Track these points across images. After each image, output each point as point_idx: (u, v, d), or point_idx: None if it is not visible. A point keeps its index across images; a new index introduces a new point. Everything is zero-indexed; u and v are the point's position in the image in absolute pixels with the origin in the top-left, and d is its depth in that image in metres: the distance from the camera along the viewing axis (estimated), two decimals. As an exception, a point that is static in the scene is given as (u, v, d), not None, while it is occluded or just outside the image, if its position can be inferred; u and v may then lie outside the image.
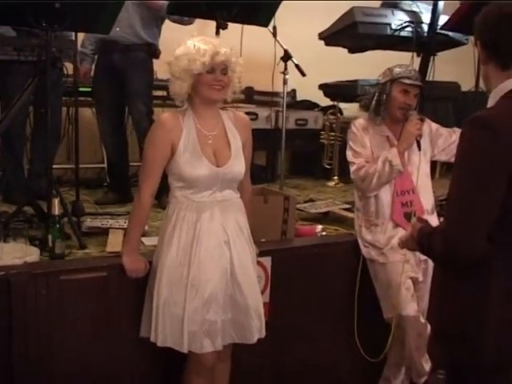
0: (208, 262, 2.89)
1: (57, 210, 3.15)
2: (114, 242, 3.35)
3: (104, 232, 3.59)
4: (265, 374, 3.59)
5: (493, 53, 2.14)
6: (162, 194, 4.18)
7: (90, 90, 4.85)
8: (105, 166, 5.28)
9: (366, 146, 3.58)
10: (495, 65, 2.15)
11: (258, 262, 3.34)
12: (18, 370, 2.89)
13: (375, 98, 3.58)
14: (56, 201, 3.16)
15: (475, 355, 2.13)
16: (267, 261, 3.43)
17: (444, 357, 2.25)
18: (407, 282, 3.55)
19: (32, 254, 3.06)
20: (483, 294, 2.11)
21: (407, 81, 3.51)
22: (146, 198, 2.93)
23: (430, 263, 3.53)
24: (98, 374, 3.10)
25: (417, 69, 4.54)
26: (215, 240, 2.91)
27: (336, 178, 5.80)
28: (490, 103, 2.16)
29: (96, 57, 4.71)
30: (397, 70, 3.56)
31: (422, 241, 2.23)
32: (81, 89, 4.71)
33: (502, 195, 2.01)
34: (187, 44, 2.87)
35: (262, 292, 3.39)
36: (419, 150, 3.51)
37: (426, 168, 3.64)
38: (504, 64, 2.13)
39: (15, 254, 3.02)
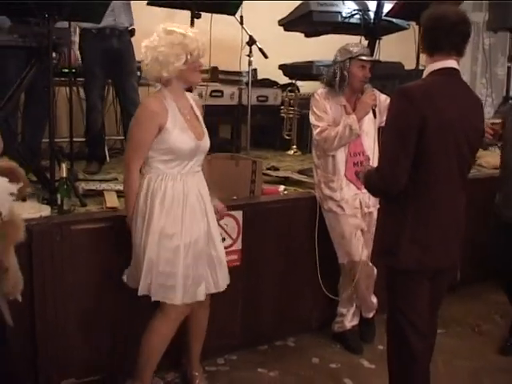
0: (195, 226, 3.28)
1: (64, 172, 3.61)
2: (111, 200, 3.86)
3: (98, 194, 4.05)
4: (238, 311, 4.11)
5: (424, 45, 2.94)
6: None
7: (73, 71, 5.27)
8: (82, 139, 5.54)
9: (327, 111, 4.05)
10: (429, 52, 2.91)
11: (231, 215, 3.92)
12: (38, 307, 3.37)
13: (338, 74, 4.04)
14: (64, 165, 3.63)
15: (395, 262, 2.93)
16: (239, 214, 3.96)
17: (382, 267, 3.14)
18: (358, 233, 4.11)
19: (45, 210, 3.56)
20: (402, 217, 2.89)
21: (364, 57, 4.01)
22: (136, 173, 3.22)
23: (374, 215, 4.17)
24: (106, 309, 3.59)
25: None
26: (198, 207, 3.30)
27: (295, 147, 6.23)
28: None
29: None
30: (354, 49, 4.04)
31: (366, 178, 3.01)
32: (64, 70, 5.16)
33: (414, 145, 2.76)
34: (174, 32, 3.12)
35: (235, 241, 3.97)
36: (374, 117, 4.03)
37: (373, 133, 4.14)
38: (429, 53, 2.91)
39: (31, 210, 3.49)
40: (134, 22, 5.18)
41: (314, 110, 4.10)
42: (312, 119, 4.10)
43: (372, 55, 5.27)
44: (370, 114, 4.11)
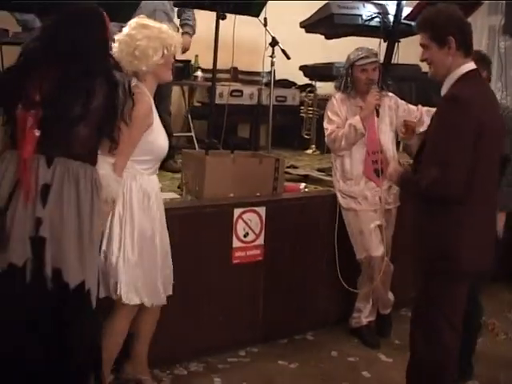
0: (165, 230, 3.31)
1: None
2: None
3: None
4: (259, 305, 4.21)
5: (461, 44, 2.92)
6: (168, 158, 4.88)
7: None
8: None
9: (340, 115, 4.20)
10: (461, 53, 2.92)
11: (254, 211, 4.06)
12: None
13: (344, 80, 4.25)
14: None
15: (456, 266, 2.93)
16: (262, 210, 4.09)
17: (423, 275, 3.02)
18: (376, 229, 4.22)
19: None
20: (457, 221, 2.90)
21: (361, 61, 4.17)
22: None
23: (393, 212, 4.30)
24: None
25: (383, 53, 5.22)
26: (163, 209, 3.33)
27: (314, 146, 6.38)
28: (449, 83, 2.93)
29: None
30: (351, 56, 4.22)
31: (406, 180, 3.04)
32: None
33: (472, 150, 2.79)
34: (150, 26, 3.10)
35: (258, 236, 4.10)
36: (377, 116, 4.14)
37: (390, 134, 4.29)
38: (467, 52, 2.94)
39: None
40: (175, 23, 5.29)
41: (328, 112, 4.27)
42: (324, 122, 4.27)
43: (390, 59, 5.38)
44: (387, 113, 4.27)
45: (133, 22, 3.15)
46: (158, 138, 3.17)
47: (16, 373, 2.67)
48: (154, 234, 3.18)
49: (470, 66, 2.95)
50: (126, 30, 3.13)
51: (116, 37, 3.10)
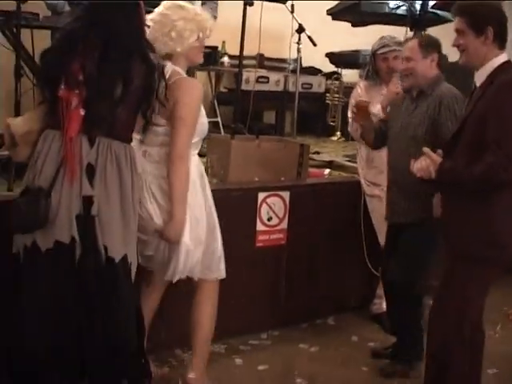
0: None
1: None
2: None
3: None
4: (281, 289, 4.28)
5: (498, 35, 2.90)
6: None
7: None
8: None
9: None
10: (496, 45, 2.90)
11: (278, 195, 4.10)
12: None
13: (369, 69, 4.28)
14: None
15: (505, 255, 2.96)
16: (286, 195, 4.13)
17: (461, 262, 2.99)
18: None
19: None
20: (507, 207, 2.90)
21: (382, 50, 4.18)
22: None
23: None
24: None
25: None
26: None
27: (339, 133, 6.41)
28: (485, 73, 2.91)
29: None
30: (374, 45, 4.24)
31: (449, 170, 2.91)
32: None
33: None
34: (186, 8, 3.08)
35: (281, 220, 4.15)
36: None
37: None
38: (502, 45, 2.93)
39: None
40: None
41: (352, 101, 4.28)
42: (349, 112, 4.27)
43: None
44: None
45: (167, 3, 3.11)
46: (204, 118, 3.19)
47: (67, 346, 2.77)
48: (211, 211, 3.26)
49: (505, 57, 2.95)
50: (160, 9, 3.09)
51: (150, 16, 3.06)
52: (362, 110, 3.90)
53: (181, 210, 2.99)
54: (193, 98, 3.00)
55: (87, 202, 2.71)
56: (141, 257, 3.09)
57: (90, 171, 2.72)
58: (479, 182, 2.84)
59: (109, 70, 2.71)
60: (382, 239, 4.26)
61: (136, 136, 2.99)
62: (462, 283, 3.00)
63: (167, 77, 2.96)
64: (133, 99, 2.77)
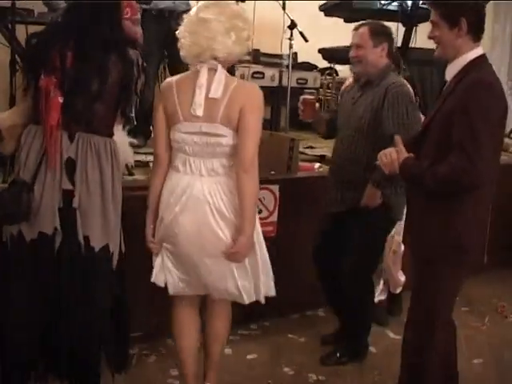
0: None
1: None
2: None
3: (144, 165, 4.34)
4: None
5: (473, 27, 2.81)
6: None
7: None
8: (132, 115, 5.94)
9: None
10: (470, 37, 2.81)
11: (268, 189, 4.16)
12: None
13: None
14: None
15: (468, 258, 2.92)
16: (275, 188, 4.20)
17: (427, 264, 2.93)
18: None
19: None
20: (471, 213, 2.85)
21: None
22: None
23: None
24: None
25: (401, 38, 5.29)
26: None
27: None
28: (457, 67, 2.83)
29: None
30: None
31: (415, 168, 2.85)
32: None
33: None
34: (243, 12, 2.93)
35: (271, 213, 4.21)
36: None
37: None
38: (477, 37, 2.85)
39: None
40: (190, 5, 5.39)
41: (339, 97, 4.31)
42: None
43: (408, 42, 5.47)
44: None
45: (231, 5, 2.92)
46: None
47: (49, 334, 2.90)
48: None
49: (480, 51, 2.86)
50: (212, 10, 2.86)
51: (201, 14, 2.84)
52: (309, 106, 3.95)
53: (252, 223, 2.90)
54: (259, 104, 2.88)
55: (67, 195, 2.81)
56: (202, 285, 3.06)
57: (71, 166, 2.81)
58: (441, 184, 2.79)
59: (85, 66, 2.78)
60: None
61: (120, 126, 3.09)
62: (431, 287, 2.94)
63: (222, 82, 2.81)
64: (110, 95, 2.83)
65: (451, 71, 2.89)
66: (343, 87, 4.22)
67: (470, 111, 2.69)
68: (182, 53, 2.90)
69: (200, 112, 2.81)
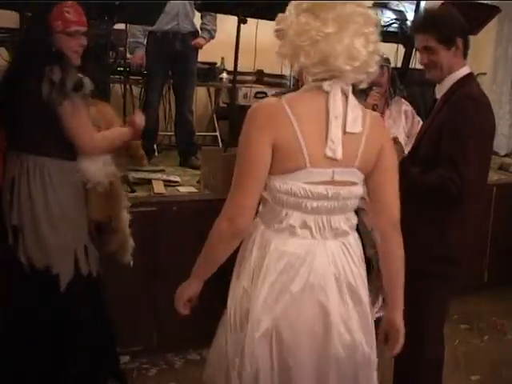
0: None
1: None
2: (159, 187, 4.20)
3: (146, 182, 4.36)
4: None
5: (465, 45, 2.89)
6: (191, 155, 5.10)
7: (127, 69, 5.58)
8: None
9: None
10: (461, 55, 2.90)
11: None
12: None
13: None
14: None
15: (457, 270, 2.95)
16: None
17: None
18: None
19: None
20: (460, 224, 2.90)
21: None
22: None
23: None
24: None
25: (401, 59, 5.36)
26: None
27: None
28: (447, 85, 2.89)
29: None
30: None
31: (410, 169, 2.87)
32: (119, 68, 5.41)
33: None
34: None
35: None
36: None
37: (400, 138, 4.16)
38: (466, 54, 2.93)
39: None
40: (195, 26, 5.55)
41: None
42: None
43: (408, 63, 5.53)
44: (403, 120, 4.38)
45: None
46: None
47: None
48: None
49: (468, 69, 2.94)
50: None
51: (329, 30, 2.00)
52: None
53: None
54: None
55: (10, 212, 2.92)
56: None
57: (12, 184, 2.92)
58: (429, 190, 2.84)
59: (16, 90, 2.85)
60: (367, 248, 4.37)
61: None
62: (420, 299, 2.92)
63: (359, 109, 2.12)
64: (36, 115, 2.86)
65: (441, 89, 2.96)
66: None
67: (459, 125, 2.77)
68: (307, 59, 2.05)
69: (339, 153, 2.05)
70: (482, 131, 2.82)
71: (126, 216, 3.22)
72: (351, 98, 2.10)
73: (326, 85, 2.05)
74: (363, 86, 2.16)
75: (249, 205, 2.07)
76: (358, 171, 2.14)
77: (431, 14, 2.96)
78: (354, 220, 2.24)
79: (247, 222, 2.10)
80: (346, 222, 2.19)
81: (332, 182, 2.10)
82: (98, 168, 2.97)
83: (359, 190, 2.18)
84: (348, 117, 2.07)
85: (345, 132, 2.06)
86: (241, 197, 2.06)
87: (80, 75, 2.84)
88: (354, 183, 2.16)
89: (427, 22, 2.92)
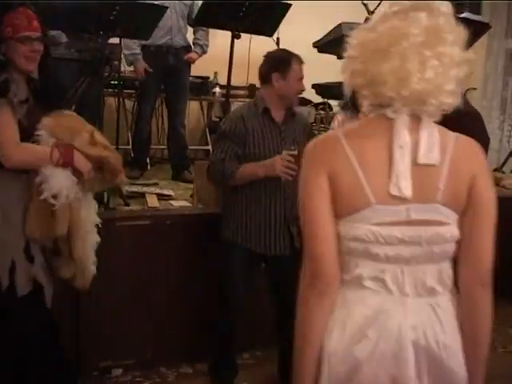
0: None
1: None
2: (152, 201, 4.24)
3: (140, 196, 4.42)
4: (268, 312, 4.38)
5: None
6: (184, 169, 5.13)
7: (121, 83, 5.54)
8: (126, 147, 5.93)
9: None
10: None
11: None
12: (83, 295, 3.53)
13: (348, 101, 4.19)
14: None
15: None
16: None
17: None
18: None
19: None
20: None
21: None
22: None
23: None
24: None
25: None
26: None
27: None
28: None
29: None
30: None
31: None
32: (113, 82, 5.43)
33: None
34: None
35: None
36: None
37: None
38: None
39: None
40: (188, 41, 5.60)
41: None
42: None
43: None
44: None
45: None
46: None
47: None
48: None
49: None
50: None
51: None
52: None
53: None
54: (488, 170, 1.88)
55: None
56: None
57: None
58: None
59: None
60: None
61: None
62: None
63: (437, 137, 1.75)
64: None
65: None
66: (336, 123, 4.35)
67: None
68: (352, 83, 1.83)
69: (406, 190, 1.71)
70: (485, 147, 2.91)
71: (87, 243, 3.01)
72: (427, 123, 1.75)
73: (389, 111, 1.74)
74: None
75: (323, 252, 1.73)
76: (444, 208, 1.73)
77: None
78: (449, 275, 1.80)
79: (328, 280, 1.74)
80: (436, 275, 1.76)
81: (409, 223, 1.72)
82: (52, 183, 2.82)
83: (451, 230, 1.75)
84: (421, 145, 1.72)
85: (417, 163, 1.71)
86: (314, 258, 1.74)
87: (8, 78, 2.79)
88: (442, 223, 1.74)
89: None
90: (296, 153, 3.40)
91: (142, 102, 5.60)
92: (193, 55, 5.54)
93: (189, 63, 5.57)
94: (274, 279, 3.80)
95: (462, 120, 2.84)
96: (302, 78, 3.65)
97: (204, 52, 5.64)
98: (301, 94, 3.76)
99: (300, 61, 3.66)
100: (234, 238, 3.63)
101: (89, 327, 3.79)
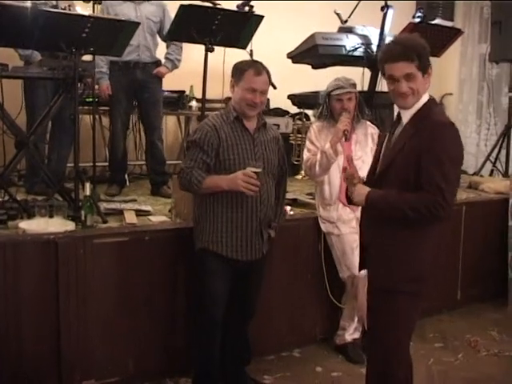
0: None
1: (88, 191, 3.96)
2: (130, 217, 4.21)
3: (118, 213, 4.39)
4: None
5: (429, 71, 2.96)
6: (162, 184, 5.11)
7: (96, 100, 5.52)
8: (104, 164, 6.02)
9: (316, 143, 4.37)
10: (429, 81, 2.98)
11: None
12: (62, 312, 3.69)
13: (321, 109, 4.42)
14: (87, 184, 3.97)
15: (423, 288, 3.05)
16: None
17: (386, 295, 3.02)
18: (357, 249, 4.38)
19: (70, 225, 3.90)
20: (426, 242, 3.01)
21: (336, 91, 4.28)
22: None
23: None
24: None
25: (368, 82, 5.41)
26: None
27: (303, 172, 6.47)
28: (413, 110, 2.96)
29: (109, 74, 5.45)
30: (329, 86, 4.36)
31: (387, 200, 2.97)
32: (88, 99, 5.46)
33: None
34: None
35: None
36: (345, 140, 4.23)
37: (368, 160, 4.16)
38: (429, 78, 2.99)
39: (57, 225, 3.87)
40: (156, 58, 5.60)
41: (306, 141, 4.47)
42: (304, 151, 4.45)
43: (374, 87, 5.61)
44: (369, 143, 4.43)
45: None
46: None
47: None
48: None
49: (427, 94, 3.01)
50: None
51: None
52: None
53: None
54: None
55: None
56: None
57: None
58: (411, 210, 2.90)
59: None
60: (341, 272, 4.46)
61: None
62: (389, 320, 3.03)
63: None
64: None
65: (408, 114, 3.00)
66: (313, 132, 4.37)
67: (441, 155, 2.85)
68: None
69: None
70: (458, 158, 2.94)
71: None
72: None
73: None
74: None
75: None
76: None
77: (411, 43, 2.94)
78: None
79: None
80: None
81: None
82: None
83: None
84: None
85: None
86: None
87: None
88: None
89: (408, 50, 2.91)
90: (260, 170, 3.46)
91: (113, 118, 5.57)
92: (162, 69, 5.54)
93: (159, 78, 5.56)
94: (241, 284, 3.82)
95: (435, 130, 2.90)
96: (254, 90, 3.56)
97: (175, 67, 5.63)
98: (254, 106, 3.58)
99: (257, 73, 3.58)
100: (207, 245, 3.64)
101: (70, 344, 3.75)
